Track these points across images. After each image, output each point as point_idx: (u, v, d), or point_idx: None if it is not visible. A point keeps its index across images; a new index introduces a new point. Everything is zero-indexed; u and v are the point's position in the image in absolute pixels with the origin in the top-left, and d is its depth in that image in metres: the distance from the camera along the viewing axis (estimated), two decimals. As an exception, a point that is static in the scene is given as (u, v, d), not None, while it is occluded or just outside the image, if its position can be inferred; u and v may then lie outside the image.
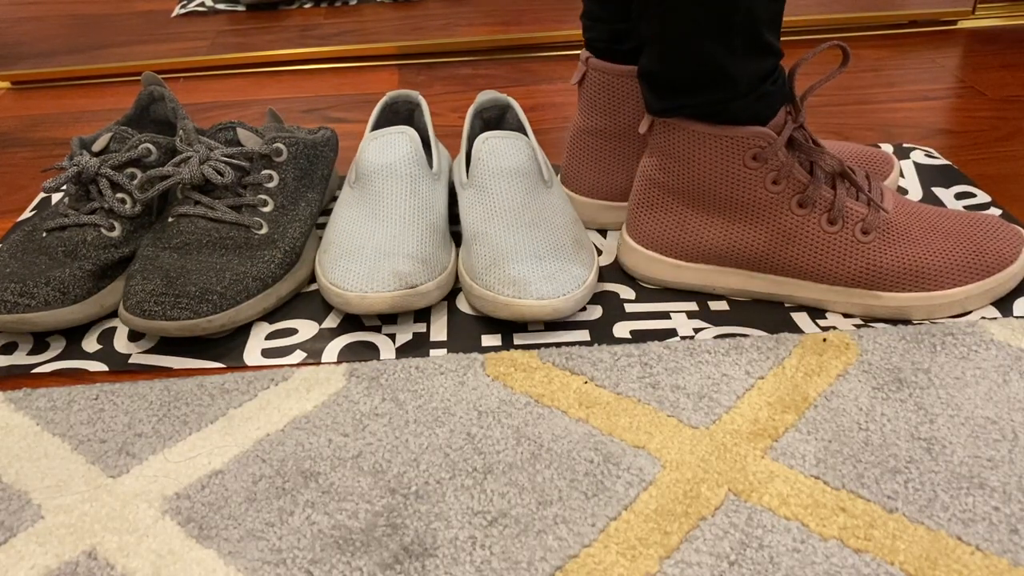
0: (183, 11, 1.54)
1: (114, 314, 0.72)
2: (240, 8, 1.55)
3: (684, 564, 0.49)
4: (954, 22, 1.36)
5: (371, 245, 0.69)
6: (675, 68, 0.64)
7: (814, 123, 1.04)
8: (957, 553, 0.49)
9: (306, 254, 0.76)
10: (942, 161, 0.92)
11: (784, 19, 1.34)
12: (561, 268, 0.68)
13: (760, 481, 0.54)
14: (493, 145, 0.74)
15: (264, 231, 0.72)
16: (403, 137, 0.75)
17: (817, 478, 0.54)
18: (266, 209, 0.73)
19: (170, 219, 0.72)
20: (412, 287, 0.67)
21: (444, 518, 0.52)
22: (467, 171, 0.75)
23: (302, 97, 1.20)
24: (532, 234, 0.70)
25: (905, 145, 0.96)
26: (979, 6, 1.38)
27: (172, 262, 0.68)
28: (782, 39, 1.31)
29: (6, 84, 1.30)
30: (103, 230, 0.72)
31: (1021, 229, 0.71)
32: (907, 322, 0.68)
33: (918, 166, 0.92)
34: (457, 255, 0.74)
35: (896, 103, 1.09)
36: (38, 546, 0.52)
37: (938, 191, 0.87)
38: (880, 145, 0.96)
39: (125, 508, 0.54)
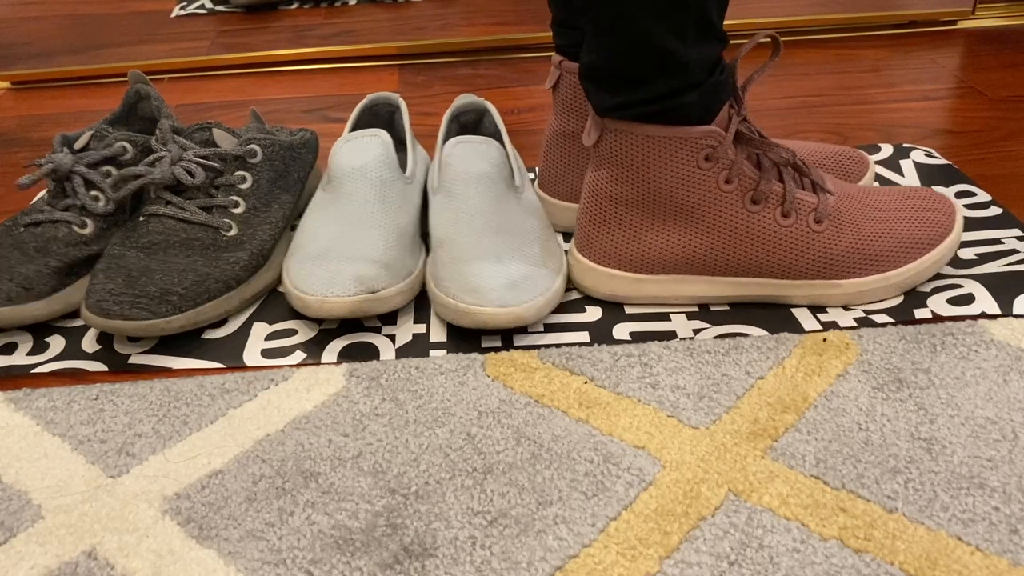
0: (183, 12, 1.54)
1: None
2: (239, 9, 1.55)
3: (684, 564, 0.49)
4: (954, 22, 1.36)
5: (336, 249, 0.69)
6: (624, 57, 0.62)
7: (814, 123, 1.04)
8: (957, 553, 0.49)
9: (276, 256, 0.76)
10: (942, 161, 0.92)
11: (784, 19, 1.35)
12: (525, 275, 0.66)
13: (760, 481, 0.54)
14: (462, 150, 0.73)
15: (233, 232, 0.72)
16: (375, 140, 0.75)
17: (817, 478, 0.54)
18: (237, 210, 0.73)
19: (141, 218, 0.73)
20: (373, 292, 0.66)
21: (444, 518, 0.52)
22: (437, 176, 0.74)
23: (302, 97, 1.20)
24: (497, 240, 0.68)
25: (905, 145, 0.96)
26: (979, 6, 1.38)
27: (137, 262, 0.68)
28: (782, 39, 1.31)
29: (6, 84, 1.30)
30: (75, 227, 0.72)
31: (950, 197, 0.73)
32: (907, 321, 0.68)
33: (918, 165, 0.92)
34: (426, 260, 0.74)
35: (896, 103, 1.09)
36: (38, 546, 0.52)
37: (938, 190, 0.87)
38: (880, 146, 0.96)
39: (125, 508, 0.54)
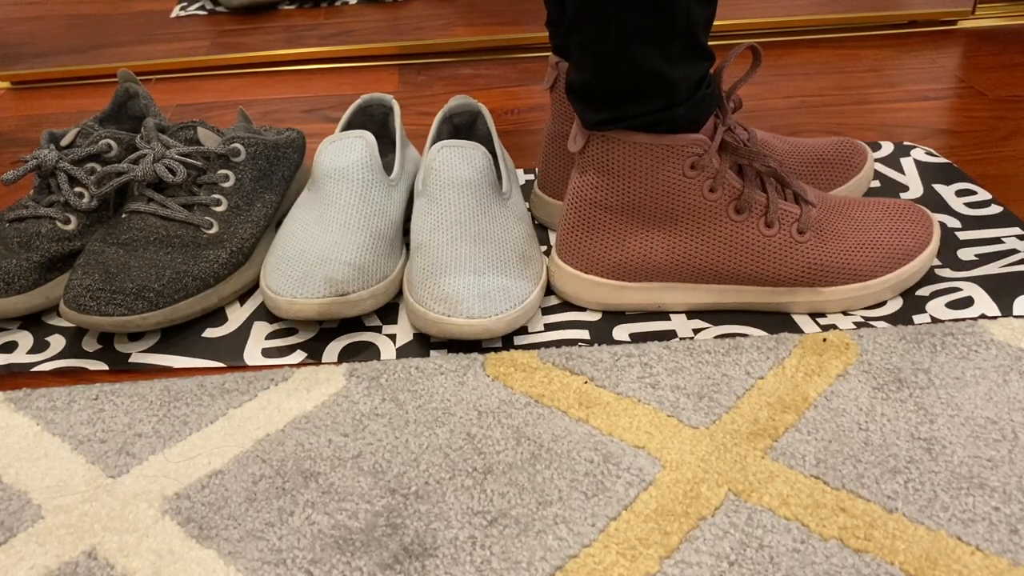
0: (183, 12, 1.54)
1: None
2: (231, 10, 1.54)
3: (684, 564, 0.49)
4: (954, 22, 1.36)
5: (312, 250, 0.68)
6: (612, 78, 0.62)
7: (814, 123, 1.04)
8: (957, 553, 0.49)
9: (257, 255, 0.76)
10: (942, 159, 0.92)
11: (784, 19, 1.35)
12: (499, 286, 0.66)
13: (760, 481, 0.54)
14: (447, 155, 0.72)
15: (214, 230, 0.72)
16: (359, 142, 0.74)
17: (817, 478, 0.54)
18: (219, 209, 0.74)
19: (123, 215, 0.73)
20: (342, 295, 0.66)
21: (444, 518, 0.52)
22: (421, 179, 0.74)
23: (302, 97, 1.20)
24: (475, 248, 0.68)
25: (906, 143, 0.96)
26: (979, 6, 1.38)
27: (116, 258, 0.69)
28: (781, 39, 1.31)
29: (6, 84, 1.30)
30: (58, 223, 0.73)
31: (927, 211, 0.74)
32: (907, 322, 0.68)
33: (918, 163, 0.92)
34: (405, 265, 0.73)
35: (896, 103, 1.09)
36: (38, 546, 0.52)
37: (938, 187, 0.87)
38: (881, 143, 0.96)
39: (125, 508, 0.54)
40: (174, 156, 0.73)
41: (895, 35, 1.33)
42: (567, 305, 0.72)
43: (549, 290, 0.73)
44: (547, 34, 0.79)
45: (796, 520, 0.51)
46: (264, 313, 0.72)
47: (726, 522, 0.52)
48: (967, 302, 0.69)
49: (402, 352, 0.67)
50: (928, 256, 0.71)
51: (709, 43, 0.64)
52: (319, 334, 0.69)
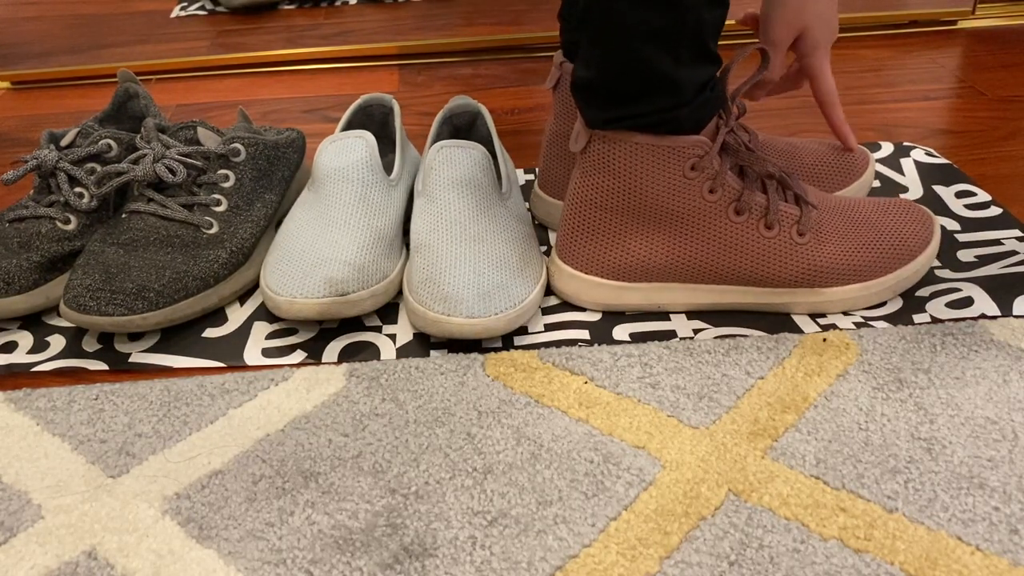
0: (183, 12, 1.54)
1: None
2: (231, 10, 1.54)
3: (684, 564, 0.49)
4: (954, 22, 1.36)
5: (312, 250, 0.68)
6: (618, 78, 0.62)
7: (814, 123, 1.04)
8: (957, 553, 0.49)
9: (257, 255, 0.76)
10: (942, 160, 0.92)
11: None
12: (499, 286, 0.66)
13: (760, 481, 0.54)
14: (447, 155, 0.72)
15: (214, 230, 0.72)
16: (359, 142, 0.74)
17: (817, 478, 0.54)
18: (219, 209, 0.74)
19: (123, 215, 0.73)
20: (342, 295, 0.66)
21: (444, 518, 0.52)
22: (421, 179, 0.74)
23: (302, 97, 1.20)
24: (475, 248, 0.68)
25: (906, 144, 0.96)
26: (979, 6, 1.38)
27: (116, 258, 0.69)
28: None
29: (6, 84, 1.30)
30: (58, 223, 0.73)
31: (926, 208, 0.73)
32: (907, 322, 0.68)
33: (918, 164, 0.92)
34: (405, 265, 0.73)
35: (896, 103, 1.09)
36: (38, 546, 0.52)
37: (938, 189, 0.87)
38: (881, 144, 0.96)
39: (125, 508, 0.54)
40: (174, 156, 0.73)
41: (895, 35, 1.33)
42: (567, 305, 0.72)
43: (549, 290, 0.73)
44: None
45: (796, 520, 0.51)
46: (264, 313, 0.72)
47: (726, 522, 0.52)
48: (967, 302, 0.69)
49: (402, 352, 0.67)
50: (929, 255, 0.70)
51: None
52: (319, 334, 0.69)
